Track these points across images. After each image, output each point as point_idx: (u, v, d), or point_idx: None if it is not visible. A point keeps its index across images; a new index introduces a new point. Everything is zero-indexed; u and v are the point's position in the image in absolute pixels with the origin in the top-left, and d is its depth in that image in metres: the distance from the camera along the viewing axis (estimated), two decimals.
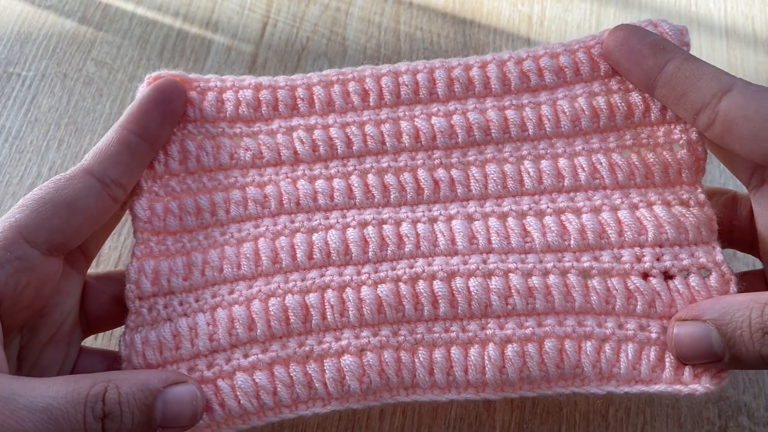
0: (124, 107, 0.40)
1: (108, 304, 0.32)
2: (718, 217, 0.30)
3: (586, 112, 0.31)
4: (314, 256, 0.30)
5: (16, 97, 0.43)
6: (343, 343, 0.29)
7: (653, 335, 0.29)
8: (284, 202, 0.31)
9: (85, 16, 0.45)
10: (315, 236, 0.31)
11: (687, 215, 0.30)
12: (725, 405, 0.34)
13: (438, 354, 0.29)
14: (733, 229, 0.31)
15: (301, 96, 0.33)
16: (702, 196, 0.30)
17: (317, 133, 0.32)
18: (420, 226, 0.30)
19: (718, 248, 0.29)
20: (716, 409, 0.34)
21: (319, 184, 0.31)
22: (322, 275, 0.30)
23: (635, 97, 0.31)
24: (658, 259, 0.29)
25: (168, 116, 0.32)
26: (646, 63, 0.29)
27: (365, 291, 0.29)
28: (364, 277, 0.30)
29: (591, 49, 0.31)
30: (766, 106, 0.27)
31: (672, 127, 0.31)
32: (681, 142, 0.30)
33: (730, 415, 0.34)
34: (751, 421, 0.34)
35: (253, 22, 0.45)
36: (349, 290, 0.29)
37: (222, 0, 0.46)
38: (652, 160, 0.30)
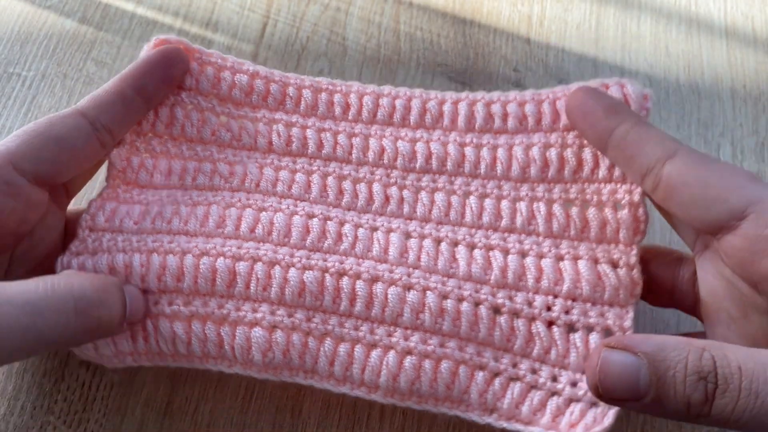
0: None
1: None
2: (661, 277, 0.31)
3: (537, 162, 0.32)
4: (256, 230, 0.32)
5: (17, 97, 0.43)
6: (258, 315, 0.31)
7: (541, 380, 0.30)
8: (246, 181, 0.34)
9: (86, 16, 0.45)
10: (263, 214, 0.33)
11: (609, 275, 0.31)
12: None
13: (342, 348, 0.31)
14: (674, 290, 0.31)
15: (291, 95, 0.35)
16: (634, 259, 0.31)
17: (294, 131, 0.35)
18: (360, 231, 0.32)
19: (631, 314, 0.30)
20: None
21: (283, 174, 0.34)
22: (257, 248, 0.32)
23: (587, 154, 0.32)
24: (566, 312, 0.30)
25: (166, 80, 0.34)
26: (599, 124, 0.30)
27: (292, 273, 0.31)
28: (295, 260, 0.31)
29: (556, 101, 0.33)
30: (705, 173, 0.27)
31: (617, 186, 0.32)
32: (623, 202, 0.31)
33: None
34: None
35: (253, 22, 0.45)
36: (278, 268, 0.31)
37: (222, 0, 0.46)
38: (591, 215, 0.32)
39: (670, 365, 0.24)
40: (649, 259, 0.32)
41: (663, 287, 0.31)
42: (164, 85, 0.34)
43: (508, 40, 0.45)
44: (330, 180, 0.34)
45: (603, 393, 0.26)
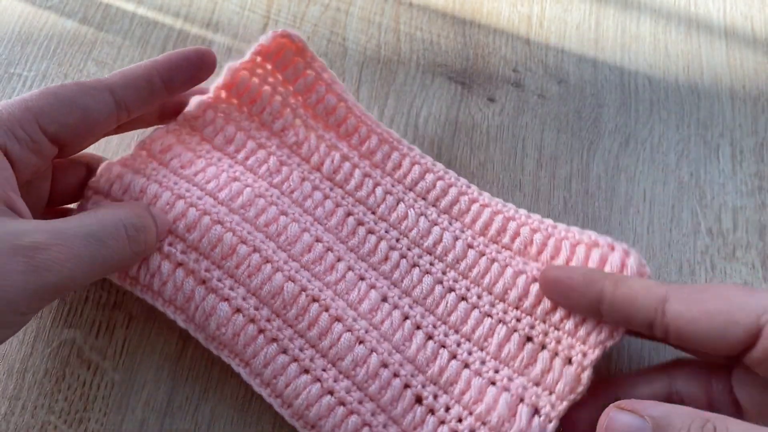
0: None
1: (75, 186, 0.35)
2: (694, 393, 0.31)
3: (519, 290, 0.34)
4: (269, 226, 0.35)
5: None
6: (232, 293, 0.33)
7: None
8: (284, 185, 0.37)
9: (86, 16, 0.45)
10: (282, 217, 0.35)
11: (522, 419, 0.31)
12: None
13: (281, 359, 0.33)
14: (712, 404, 0.31)
15: (361, 134, 0.38)
16: (555, 414, 0.31)
17: (346, 165, 0.38)
18: (349, 273, 0.35)
19: None
20: None
21: (316, 193, 0.37)
22: (263, 241, 0.34)
23: None
24: (471, 430, 0.32)
25: (192, 80, 0.35)
26: (583, 299, 0.31)
27: (277, 276, 0.34)
28: (285, 267, 0.34)
29: (563, 240, 0.35)
30: (705, 304, 0.28)
31: (576, 343, 0.33)
32: (574, 359, 0.32)
33: None
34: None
35: (254, 22, 0.45)
36: (268, 266, 0.34)
37: (222, 0, 0.46)
38: (540, 358, 0.33)
39: (673, 431, 0.25)
40: (676, 375, 0.32)
41: (698, 403, 0.31)
42: (189, 83, 0.35)
43: (507, 41, 0.45)
44: (350, 219, 0.37)
45: None
